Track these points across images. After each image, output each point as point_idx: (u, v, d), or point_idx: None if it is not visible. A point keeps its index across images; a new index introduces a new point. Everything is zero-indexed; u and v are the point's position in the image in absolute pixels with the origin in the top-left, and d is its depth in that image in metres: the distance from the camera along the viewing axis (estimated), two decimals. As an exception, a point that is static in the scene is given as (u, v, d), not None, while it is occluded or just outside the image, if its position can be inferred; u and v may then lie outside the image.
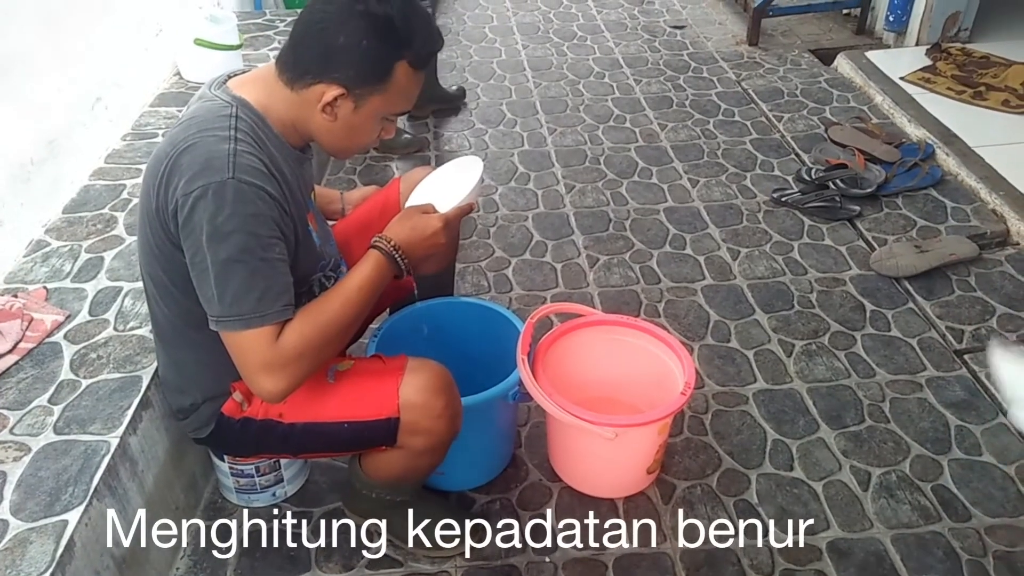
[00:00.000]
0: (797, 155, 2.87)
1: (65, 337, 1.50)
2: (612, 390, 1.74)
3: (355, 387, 1.25)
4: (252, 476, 1.55)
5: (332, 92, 1.14)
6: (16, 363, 1.43)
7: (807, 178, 2.65)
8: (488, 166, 2.81)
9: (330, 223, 1.57)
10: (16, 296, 1.56)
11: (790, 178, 2.72)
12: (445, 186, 1.44)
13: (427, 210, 1.29)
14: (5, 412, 1.34)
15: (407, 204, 1.41)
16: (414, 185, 1.55)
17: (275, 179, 1.12)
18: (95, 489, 1.22)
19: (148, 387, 1.40)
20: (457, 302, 1.76)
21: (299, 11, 1.22)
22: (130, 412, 1.34)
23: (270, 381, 1.09)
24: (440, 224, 1.26)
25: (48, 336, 1.49)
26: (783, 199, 2.59)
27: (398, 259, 1.23)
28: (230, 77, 1.21)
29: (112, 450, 1.28)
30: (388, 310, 1.70)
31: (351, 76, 1.14)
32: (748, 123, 3.09)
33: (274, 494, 1.61)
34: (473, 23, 4.10)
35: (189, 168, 1.08)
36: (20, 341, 1.46)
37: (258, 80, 1.18)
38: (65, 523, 1.16)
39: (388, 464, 1.30)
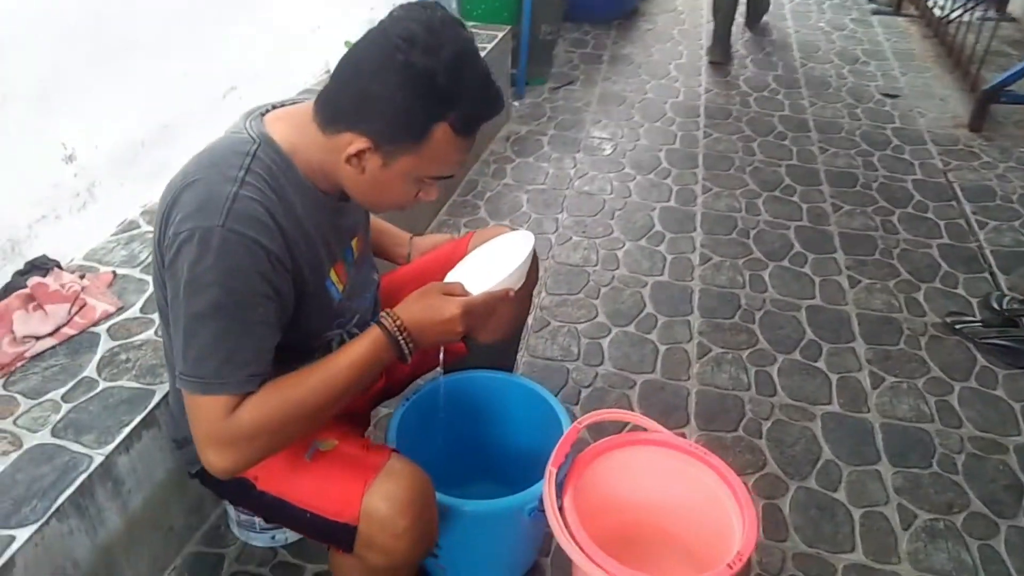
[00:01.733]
0: (992, 275, 2.39)
1: (108, 330, 1.48)
2: (657, 516, 1.48)
3: (326, 475, 1.10)
4: (251, 515, 1.46)
5: (358, 144, 1.00)
6: (53, 347, 1.42)
7: (996, 307, 2.19)
8: (623, 218, 2.59)
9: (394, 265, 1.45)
10: (83, 277, 1.56)
11: (975, 302, 2.27)
12: (487, 264, 1.25)
13: (451, 291, 1.12)
14: (19, 398, 1.33)
15: (446, 277, 1.25)
16: (485, 241, 1.39)
17: (279, 230, 0.99)
18: (58, 508, 1.16)
19: (157, 405, 1.34)
20: (499, 379, 1.54)
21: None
22: (127, 429, 1.28)
23: (216, 456, 0.96)
24: (458, 311, 1.08)
25: (93, 325, 1.48)
26: (958, 326, 2.16)
27: (401, 342, 1.06)
28: (273, 108, 1.10)
29: (93, 468, 1.22)
30: (442, 370, 1.54)
31: (380, 130, 0.99)
32: (942, 223, 2.63)
33: (273, 537, 1.51)
34: (660, 56, 3.86)
35: (186, 206, 0.98)
36: (64, 325, 1.45)
37: (294, 117, 1.06)
38: (12, 539, 1.11)
39: (347, 569, 1.15)
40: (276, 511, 1.14)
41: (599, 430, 1.58)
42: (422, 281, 1.33)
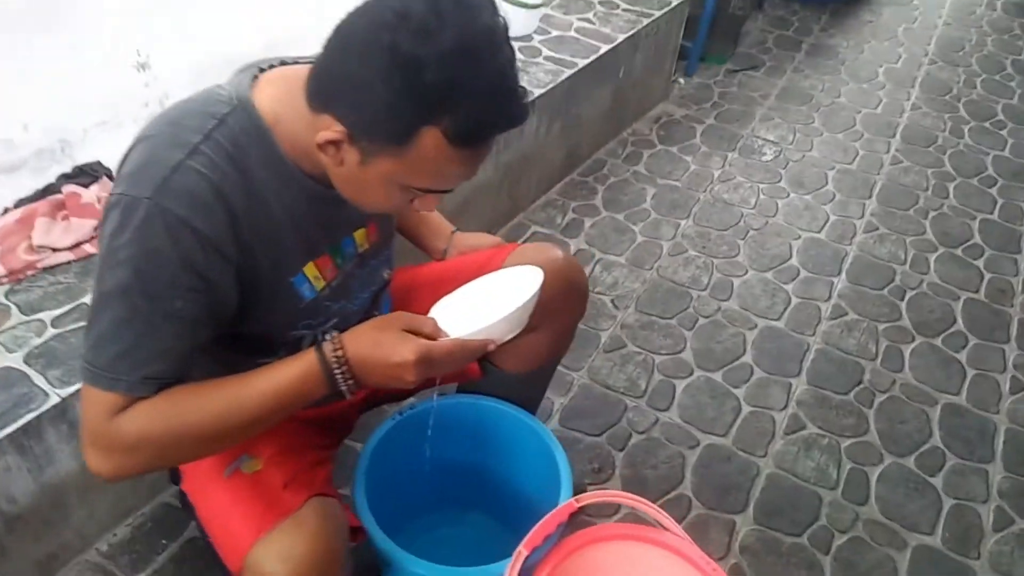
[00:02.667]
0: None
1: (128, 256, 1.40)
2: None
3: (233, 502, 0.95)
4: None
5: (333, 132, 0.80)
6: (68, 263, 1.37)
7: None
8: (756, 240, 2.23)
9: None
10: (127, 192, 1.50)
11: None
12: (483, 301, 1.03)
13: (416, 327, 0.90)
14: (13, 310, 1.28)
15: (433, 307, 1.03)
16: (523, 261, 1.17)
17: (226, 212, 0.82)
18: (-5, 443, 1.10)
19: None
20: (507, 415, 1.30)
21: None
22: (95, 373, 1.20)
23: (93, 457, 0.83)
24: (412, 357, 0.86)
25: (116, 247, 1.41)
26: None
27: (339, 376, 0.87)
28: (282, 64, 0.92)
29: (43, 409, 1.15)
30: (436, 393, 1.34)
31: (357, 122, 0.79)
32: None
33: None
34: (871, 55, 3.31)
35: (127, 165, 0.83)
36: (86, 242, 1.39)
37: (289, 81, 0.87)
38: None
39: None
40: (191, 514, 1.02)
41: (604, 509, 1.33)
42: (439, 287, 1.14)
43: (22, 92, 1.39)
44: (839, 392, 1.82)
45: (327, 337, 0.89)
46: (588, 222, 2.26)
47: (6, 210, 1.41)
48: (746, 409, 1.75)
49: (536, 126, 2.11)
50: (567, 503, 1.14)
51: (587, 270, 2.07)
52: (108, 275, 0.81)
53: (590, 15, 2.47)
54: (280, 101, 0.86)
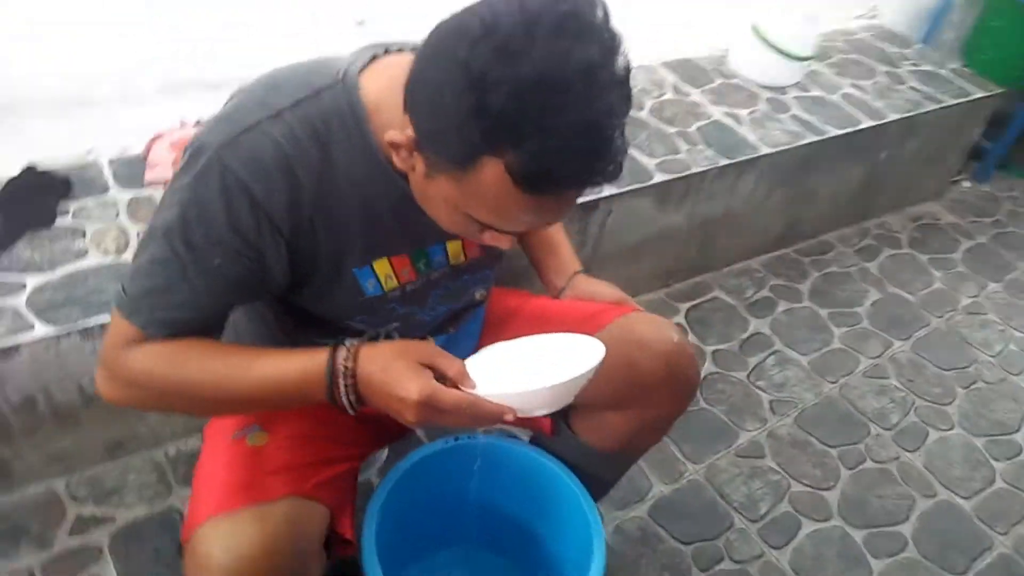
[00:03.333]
0: None
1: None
2: None
3: (220, 465, 0.90)
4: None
5: (401, 133, 0.72)
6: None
7: None
8: (975, 400, 1.82)
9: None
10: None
11: None
12: (526, 362, 0.87)
13: (435, 365, 0.79)
14: (83, 227, 1.33)
15: (477, 353, 0.90)
16: (627, 332, 1.01)
17: (291, 187, 0.77)
18: (85, 329, 1.17)
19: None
20: (563, 483, 1.14)
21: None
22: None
23: (99, 376, 0.83)
24: (416, 397, 0.75)
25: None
26: None
27: (342, 387, 0.78)
28: (411, 50, 0.85)
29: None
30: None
31: (425, 130, 0.70)
32: None
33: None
34: None
35: (217, 114, 0.81)
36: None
37: (399, 70, 0.79)
38: (31, 327, 1.15)
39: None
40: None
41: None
42: (537, 325, 1.02)
43: (241, 36, 1.48)
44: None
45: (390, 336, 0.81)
46: (782, 306, 1.98)
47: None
48: (876, 590, 1.43)
49: (752, 187, 1.88)
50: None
51: (758, 358, 1.82)
52: (161, 212, 0.79)
53: (866, 83, 2.15)
54: (386, 89, 0.78)
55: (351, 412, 0.81)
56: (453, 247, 0.95)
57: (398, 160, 0.76)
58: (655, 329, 1.03)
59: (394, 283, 0.91)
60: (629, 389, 1.02)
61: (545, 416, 0.84)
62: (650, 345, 1.01)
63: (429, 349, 0.81)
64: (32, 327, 1.15)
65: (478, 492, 1.18)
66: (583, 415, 1.11)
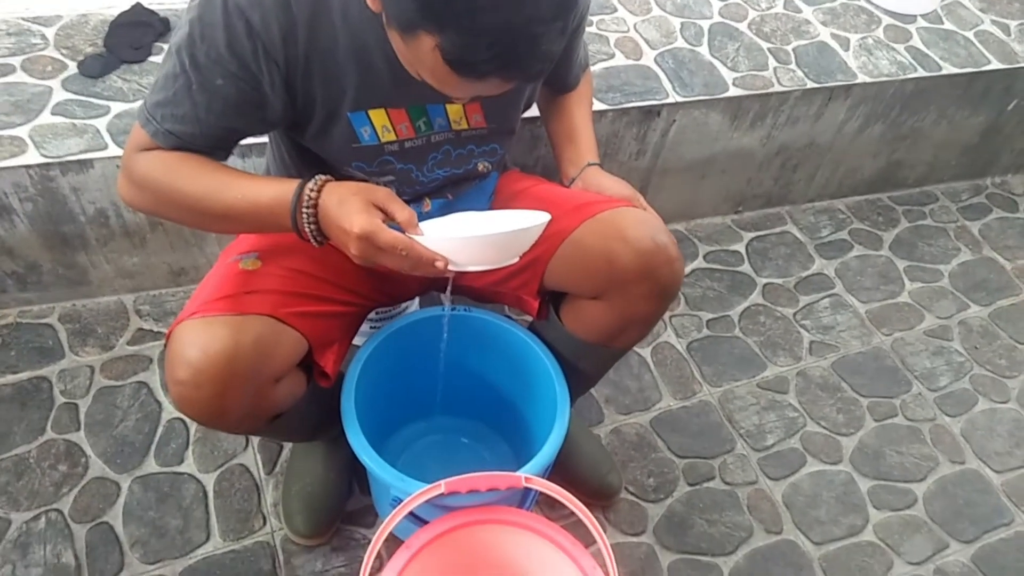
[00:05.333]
0: None
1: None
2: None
3: (211, 277, 1.01)
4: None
5: None
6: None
7: None
8: None
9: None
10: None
11: None
12: (474, 225, 0.91)
13: (384, 206, 0.86)
14: None
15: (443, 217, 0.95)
16: (612, 226, 1.03)
17: (285, 20, 0.84)
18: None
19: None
20: (531, 350, 1.20)
21: None
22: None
23: (119, 177, 0.95)
24: (357, 230, 0.83)
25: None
26: None
27: (303, 215, 0.87)
28: None
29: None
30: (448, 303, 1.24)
31: None
32: None
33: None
34: None
35: None
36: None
37: None
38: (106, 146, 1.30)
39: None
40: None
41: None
42: (540, 204, 1.07)
43: None
44: (1014, 600, 1.36)
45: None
46: (856, 251, 1.88)
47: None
48: (859, 540, 1.39)
49: (843, 119, 1.76)
50: (515, 476, 1.04)
51: (812, 298, 1.75)
52: (178, 30, 0.88)
53: (1011, 23, 1.93)
54: None
55: (315, 243, 0.90)
56: (454, 111, 1.00)
57: (371, 3, 0.80)
58: (639, 225, 1.04)
59: (391, 136, 0.97)
60: (607, 281, 1.05)
61: (483, 272, 0.88)
62: (630, 241, 1.02)
63: (386, 193, 0.88)
64: (107, 147, 1.31)
65: (462, 361, 1.26)
66: (569, 305, 1.15)
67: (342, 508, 1.28)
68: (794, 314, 1.72)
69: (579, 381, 1.23)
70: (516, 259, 0.90)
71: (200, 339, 0.92)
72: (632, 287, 1.04)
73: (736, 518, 1.38)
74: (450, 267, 0.86)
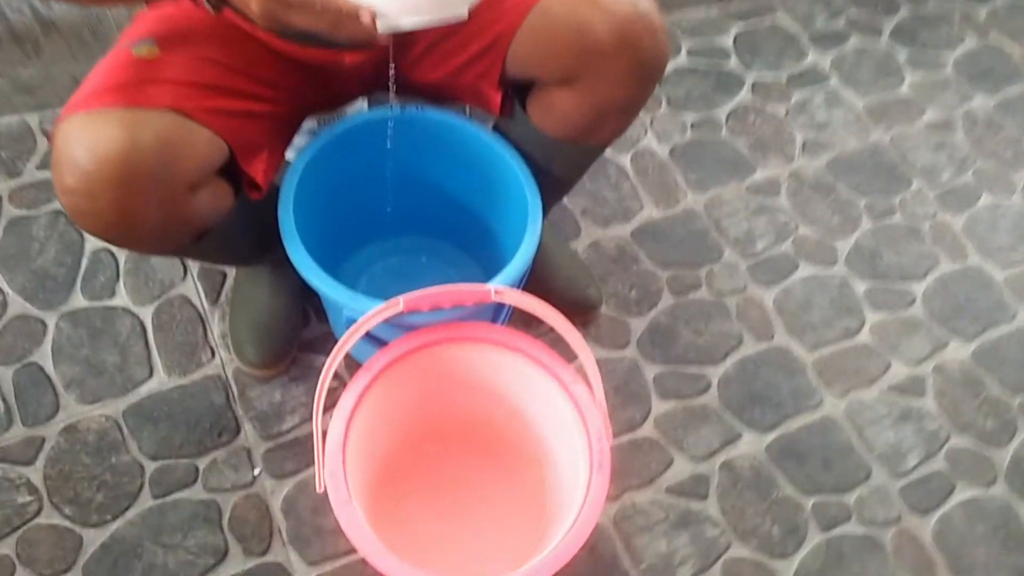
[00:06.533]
0: None
1: None
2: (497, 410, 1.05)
3: (99, 72, 0.82)
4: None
5: None
6: None
7: None
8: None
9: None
10: None
11: None
12: None
13: None
14: None
15: None
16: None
17: None
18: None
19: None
20: (488, 146, 1.05)
21: None
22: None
23: None
24: None
25: None
26: None
27: None
28: None
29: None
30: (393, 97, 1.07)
31: None
32: None
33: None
34: None
35: None
36: None
37: None
38: None
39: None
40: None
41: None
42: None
43: None
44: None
45: None
46: (854, 42, 1.70)
47: None
48: (854, 343, 1.31)
49: None
50: (482, 288, 0.92)
51: (806, 94, 1.59)
52: None
53: None
54: None
55: (210, 8, 0.72)
56: None
57: None
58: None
59: None
60: (579, 59, 0.87)
61: (416, 31, 0.71)
62: (606, 6, 0.84)
63: None
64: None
65: (418, 171, 1.11)
66: (537, 97, 0.98)
67: (296, 336, 1.17)
68: (786, 112, 1.57)
69: (551, 186, 1.08)
70: (464, 14, 0.73)
71: (89, 138, 0.75)
72: (608, 65, 0.87)
73: (724, 327, 1.29)
74: (381, 25, 0.69)
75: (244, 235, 1.01)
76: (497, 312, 1.09)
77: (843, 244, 1.41)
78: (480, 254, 1.23)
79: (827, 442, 1.21)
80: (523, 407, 1.02)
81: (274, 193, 0.98)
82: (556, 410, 0.95)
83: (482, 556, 1.03)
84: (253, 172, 0.90)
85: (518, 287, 0.99)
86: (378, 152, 1.07)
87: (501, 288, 0.91)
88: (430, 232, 1.25)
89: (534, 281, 1.10)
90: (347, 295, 0.92)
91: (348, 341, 0.88)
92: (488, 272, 1.22)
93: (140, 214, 0.79)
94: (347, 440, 0.87)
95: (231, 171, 0.89)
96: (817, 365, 1.28)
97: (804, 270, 1.37)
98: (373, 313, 0.88)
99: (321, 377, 0.84)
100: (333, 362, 0.87)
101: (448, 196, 1.17)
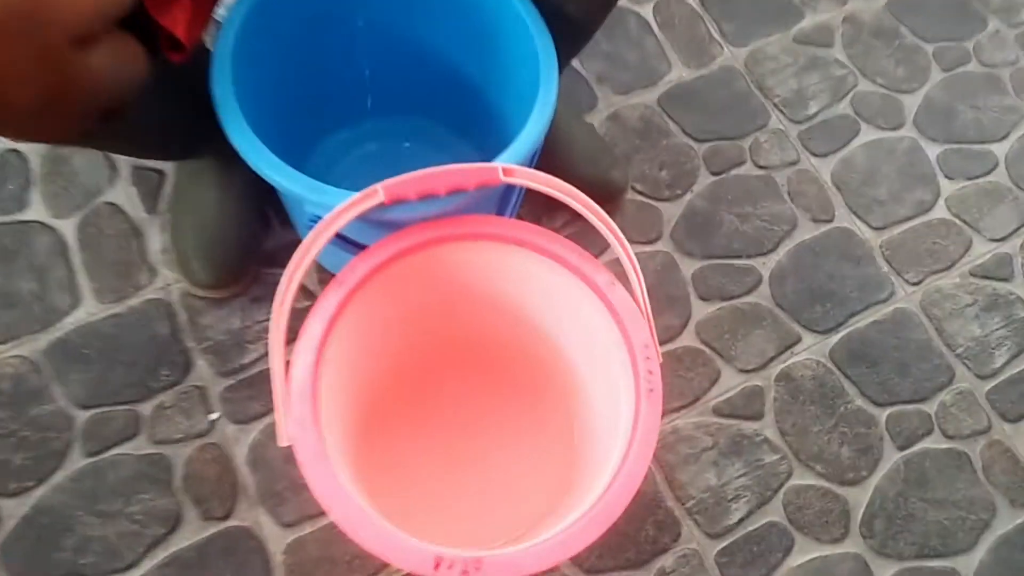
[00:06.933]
0: None
1: None
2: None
3: None
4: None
5: None
6: None
7: None
8: None
9: None
10: None
11: None
12: None
13: None
14: None
15: None
16: None
17: None
18: None
19: None
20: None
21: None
22: None
23: None
24: None
25: None
26: None
27: None
28: None
29: None
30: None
31: None
32: None
33: None
34: None
35: None
36: None
37: None
38: None
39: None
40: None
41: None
42: None
43: None
44: None
45: None
46: None
47: None
48: (928, 219, 1.10)
49: None
50: (487, 167, 0.69)
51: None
52: None
53: None
54: None
55: None
56: None
57: None
58: None
59: None
60: None
61: None
62: None
63: None
64: None
65: (395, 31, 0.86)
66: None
67: (255, 246, 0.95)
68: (837, -57, 1.30)
69: (567, 35, 0.83)
70: None
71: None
72: None
73: (775, 208, 1.07)
74: None
75: (170, 115, 0.78)
76: (502, 203, 0.87)
77: (911, 100, 1.18)
78: (478, 136, 0.99)
79: (902, 341, 1.01)
80: (545, 322, 0.81)
81: (207, 57, 0.74)
82: (587, 323, 0.75)
83: (498, 513, 0.85)
84: (170, 24, 0.66)
85: (531, 165, 0.77)
86: (345, 4, 0.82)
87: (510, 166, 0.69)
88: (415, 110, 1.01)
89: (546, 163, 0.87)
90: (307, 184, 0.69)
91: (313, 245, 0.66)
92: (488, 155, 0.99)
93: (9, 78, 0.56)
94: (318, 377, 0.66)
95: (143, 25, 0.65)
96: (886, 247, 1.07)
97: (866, 134, 1.14)
98: (344, 206, 0.66)
99: (278, 295, 0.63)
100: (294, 274, 0.65)
101: (437, 60, 0.92)
